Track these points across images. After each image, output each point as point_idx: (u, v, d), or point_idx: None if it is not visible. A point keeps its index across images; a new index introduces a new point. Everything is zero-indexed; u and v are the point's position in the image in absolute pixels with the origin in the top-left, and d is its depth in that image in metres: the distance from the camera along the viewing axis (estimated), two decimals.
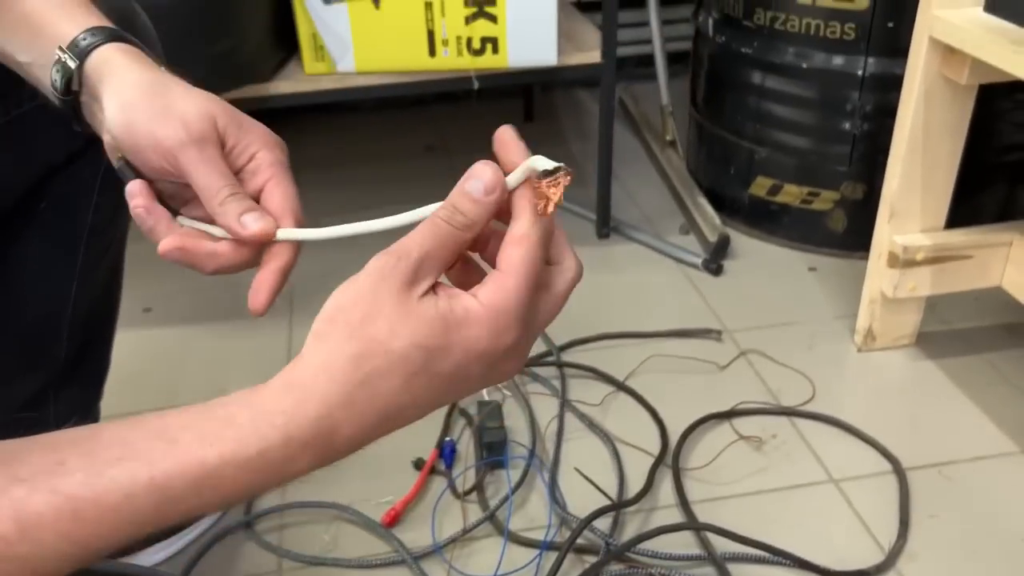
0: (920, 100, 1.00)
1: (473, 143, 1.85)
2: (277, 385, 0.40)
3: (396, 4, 1.19)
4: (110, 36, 0.52)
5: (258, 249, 0.51)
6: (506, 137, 0.43)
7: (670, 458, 1.00)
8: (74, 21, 0.52)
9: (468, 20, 1.20)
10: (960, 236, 1.08)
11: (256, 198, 0.51)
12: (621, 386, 1.12)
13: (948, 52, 0.96)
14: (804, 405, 1.09)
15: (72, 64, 0.51)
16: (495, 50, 1.23)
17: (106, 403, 1.11)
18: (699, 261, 1.39)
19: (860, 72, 1.26)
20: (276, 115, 1.91)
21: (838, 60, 1.28)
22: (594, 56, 1.32)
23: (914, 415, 1.07)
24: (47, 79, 0.53)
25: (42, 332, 0.77)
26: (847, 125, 1.31)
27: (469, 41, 1.22)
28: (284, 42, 1.28)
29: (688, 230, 1.50)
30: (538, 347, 1.19)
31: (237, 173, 0.51)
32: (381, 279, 0.40)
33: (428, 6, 1.19)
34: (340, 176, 1.75)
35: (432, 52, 1.23)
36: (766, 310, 1.28)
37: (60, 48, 0.52)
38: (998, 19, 0.91)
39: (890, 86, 1.24)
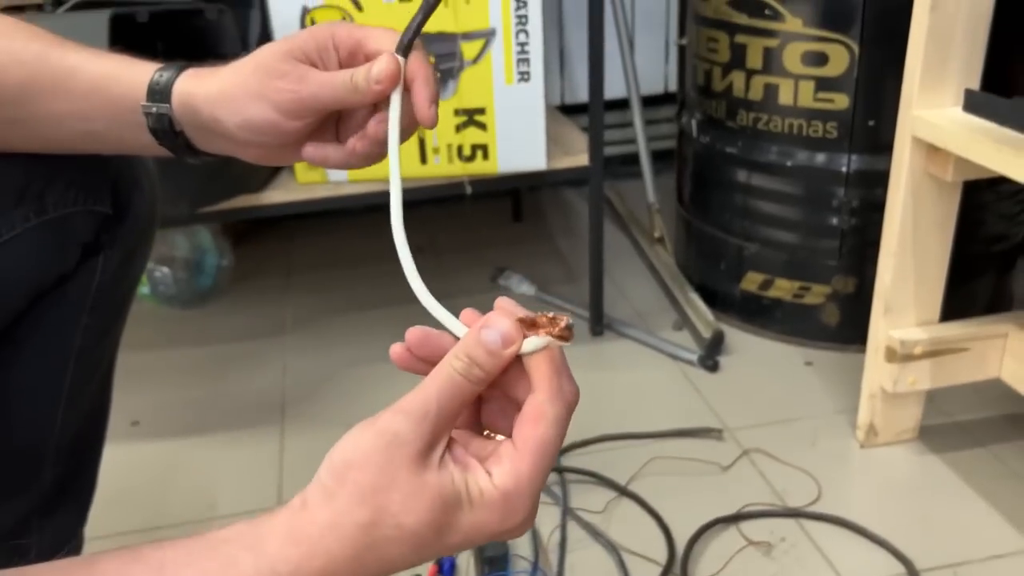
0: (908, 197, 1.02)
1: (462, 244, 1.86)
2: (281, 532, 0.39)
3: None
4: (167, 80, 0.56)
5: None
6: (508, 307, 0.42)
7: (678, 567, 0.97)
8: (126, 83, 0.56)
9: (458, 128, 1.23)
10: (956, 329, 1.08)
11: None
12: (624, 491, 1.10)
13: (932, 150, 0.98)
14: (811, 505, 1.06)
15: (163, 109, 0.55)
16: (485, 156, 1.25)
17: (92, 520, 1.07)
18: (695, 357, 1.38)
19: (844, 169, 1.29)
20: (268, 220, 1.93)
21: (822, 157, 1.30)
22: (582, 159, 1.34)
23: (924, 513, 1.05)
24: (130, 136, 0.56)
25: (27, 458, 0.74)
26: (834, 220, 1.32)
27: (460, 148, 1.24)
28: None
29: (681, 326, 1.50)
30: None
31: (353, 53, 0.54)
32: (396, 445, 0.39)
33: None
34: (332, 277, 1.75)
35: (424, 160, 1.24)
36: (765, 406, 1.27)
37: (143, 105, 0.55)
38: (977, 118, 0.94)
39: (875, 181, 1.27)
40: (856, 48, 1.22)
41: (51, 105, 0.56)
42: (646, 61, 2.02)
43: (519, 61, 1.20)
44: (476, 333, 0.41)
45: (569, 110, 1.94)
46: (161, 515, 1.11)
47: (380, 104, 0.54)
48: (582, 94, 2.08)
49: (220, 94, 0.54)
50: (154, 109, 0.55)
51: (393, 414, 0.40)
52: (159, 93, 0.55)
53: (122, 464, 1.21)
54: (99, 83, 0.56)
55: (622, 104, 1.83)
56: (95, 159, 0.63)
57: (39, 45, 0.57)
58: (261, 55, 0.54)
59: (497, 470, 0.40)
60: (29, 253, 0.64)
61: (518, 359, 0.41)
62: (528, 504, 0.41)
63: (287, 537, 0.39)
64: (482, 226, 1.91)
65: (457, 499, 0.39)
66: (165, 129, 0.56)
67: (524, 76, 1.21)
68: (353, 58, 0.54)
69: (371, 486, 0.38)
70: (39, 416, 0.73)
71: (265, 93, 0.53)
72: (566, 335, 0.41)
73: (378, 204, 2.09)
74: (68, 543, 0.80)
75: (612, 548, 1.00)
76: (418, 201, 2.03)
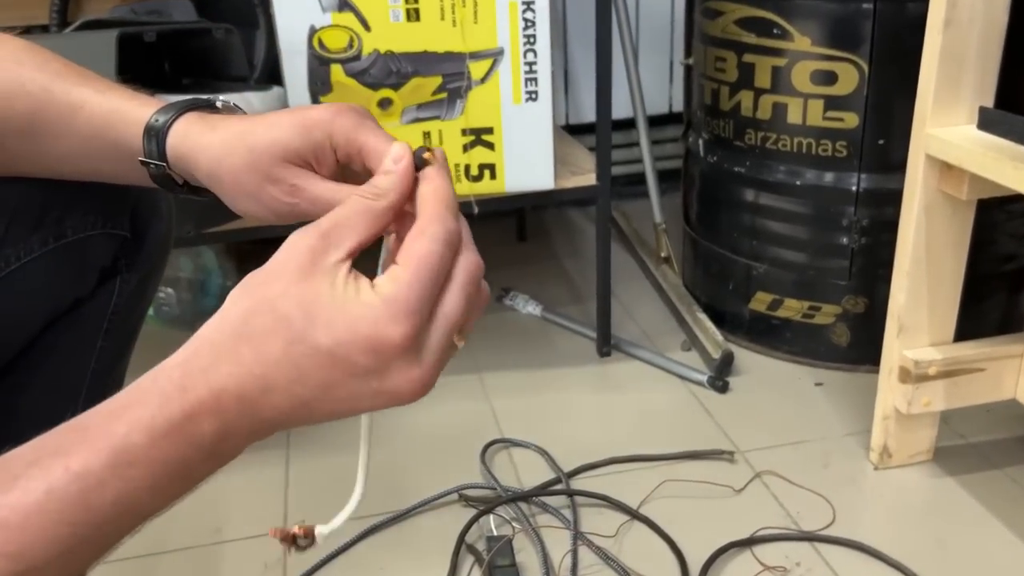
0: (921, 215, 1.01)
1: None
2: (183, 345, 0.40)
3: (395, 134, 1.20)
4: (177, 111, 0.53)
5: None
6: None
7: None
8: (137, 114, 0.54)
9: (466, 148, 1.22)
10: (971, 349, 1.07)
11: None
12: (636, 515, 1.08)
13: (945, 169, 0.97)
14: (826, 529, 1.05)
15: (160, 164, 0.53)
16: (493, 176, 1.24)
17: None
18: (704, 378, 1.36)
19: (854, 188, 1.28)
20: (270, 241, 1.92)
21: (831, 177, 1.30)
22: (589, 179, 1.33)
23: (940, 537, 1.03)
24: (136, 177, 0.55)
25: None
26: (844, 240, 1.32)
27: (467, 168, 1.23)
28: None
29: (690, 346, 1.48)
30: (546, 473, 1.15)
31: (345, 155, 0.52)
32: (290, 246, 0.41)
33: (427, 136, 1.21)
34: None
35: None
36: (777, 428, 1.25)
37: (141, 160, 0.53)
38: (992, 136, 0.93)
39: (885, 201, 1.26)
40: (865, 66, 1.21)
41: (57, 142, 0.55)
42: (650, 81, 2.02)
43: (527, 80, 1.19)
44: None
45: (574, 130, 1.94)
46: (164, 541, 1.09)
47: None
48: (586, 114, 2.08)
49: (212, 176, 0.52)
50: (152, 166, 0.54)
51: (295, 232, 0.42)
52: (155, 148, 0.53)
53: None
54: (102, 125, 0.55)
55: (626, 124, 1.83)
56: (115, 185, 0.62)
57: (46, 76, 0.55)
58: (256, 150, 0.50)
59: (379, 279, 0.41)
60: (47, 276, 0.63)
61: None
62: (409, 316, 0.39)
63: (184, 344, 0.40)
64: (487, 245, 1.89)
65: (332, 290, 0.39)
66: (166, 180, 0.55)
67: (532, 96, 1.21)
68: (349, 161, 0.51)
69: (260, 281, 0.40)
70: None
71: (260, 197, 0.51)
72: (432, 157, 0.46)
73: None
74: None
75: (624, 573, 0.98)
76: None
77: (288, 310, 0.39)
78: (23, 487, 0.35)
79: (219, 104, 0.56)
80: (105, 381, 0.72)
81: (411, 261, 0.40)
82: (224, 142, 0.52)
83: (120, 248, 0.66)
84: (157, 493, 0.39)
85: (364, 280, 0.41)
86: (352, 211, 0.42)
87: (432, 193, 0.44)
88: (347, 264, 0.41)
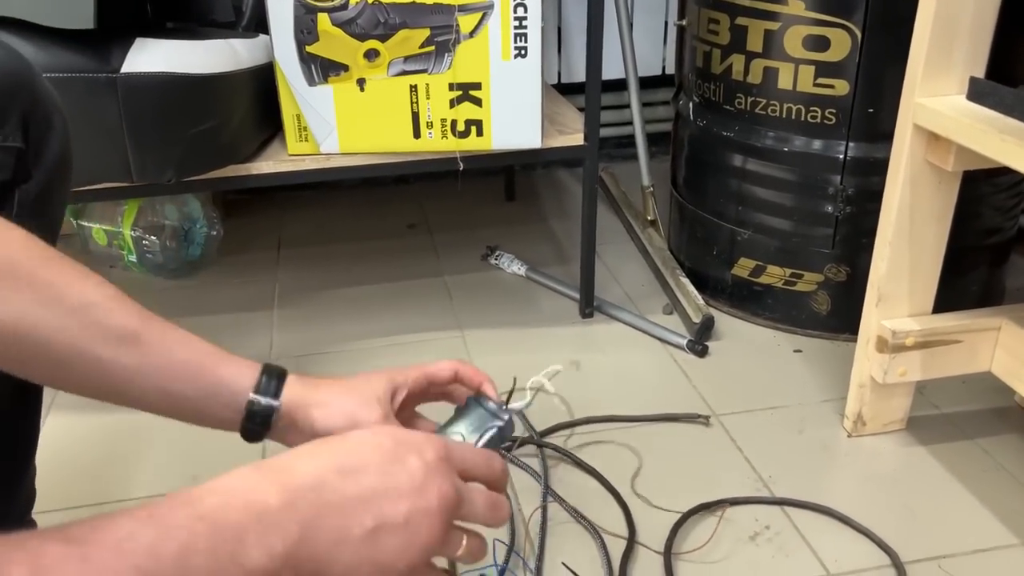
0: (906, 186, 1.01)
1: (454, 221, 1.84)
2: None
3: (381, 87, 1.19)
4: (279, 373, 0.65)
5: None
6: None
7: (662, 551, 0.97)
8: (234, 364, 0.63)
9: (453, 103, 1.20)
10: (949, 320, 1.08)
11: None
12: (604, 476, 1.09)
13: (933, 139, 0.97)
14: (797, 494, 1.06)
15: (274, 403, 0.63)
16: (479, 132, 1.23)
17: (69, 491, 1.06)
18: (684, 342, 1.37)
19: (841, 156, 1.28)
20: (259, 191, 1.91)
21: (819, 144, 1.29)
22: (577, 138, 1.32)
23: (909, 505, 1.05)
24: (215, 411, 0.62)
25: None
26: (829, 208, 1.31)
27: (454, 123, 1.22)
28: (267, 122, 1.27)
29: (672, 310, 1.49)
30: (519, 431, 1.16)
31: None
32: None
33: (413, 89, 1.19)
34: (321, 253, 1.73)
35: (416, 134, 1.22)
36: (753, 393, 1.26)
37: (250, 395, 0.62)
38: (981, 107, 0.92)
39: (871, 170, 1.25)
40: (859, 33, 1.20)
41: (137, 381, 0.60)
42: (643, 42, 1.99)
43: (516, 36, 1.17)
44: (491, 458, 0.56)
45: (566, 89, 1.92)
46: (141, 485, 1.09)
47: None
48: (579, 73, 2.06)
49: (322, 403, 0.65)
50: (263, 401, 0.62)
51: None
52: (269, 389, 0.63)
53: (101, 433, 1.19)
54: (201, 362, 0.61)
55: (618, 85, 1.81)
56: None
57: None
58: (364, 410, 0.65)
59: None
60: None
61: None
62: (418, 460, 0.49)
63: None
64: (474, 204, 1.89)
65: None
66: (262, 417, 0.63)
67: (521, 52, 1.19)
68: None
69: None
70: None
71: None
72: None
73: (369, 177, 2.07)
74: (14, 494, 0.77)
75: (594, 530, 1.00)
76: (408, 176, 2.01)
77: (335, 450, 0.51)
78: None
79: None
80: None
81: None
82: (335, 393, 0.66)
83: (16, 161, 0.66)
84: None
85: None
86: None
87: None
88: None
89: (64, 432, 1.19)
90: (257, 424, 0.62)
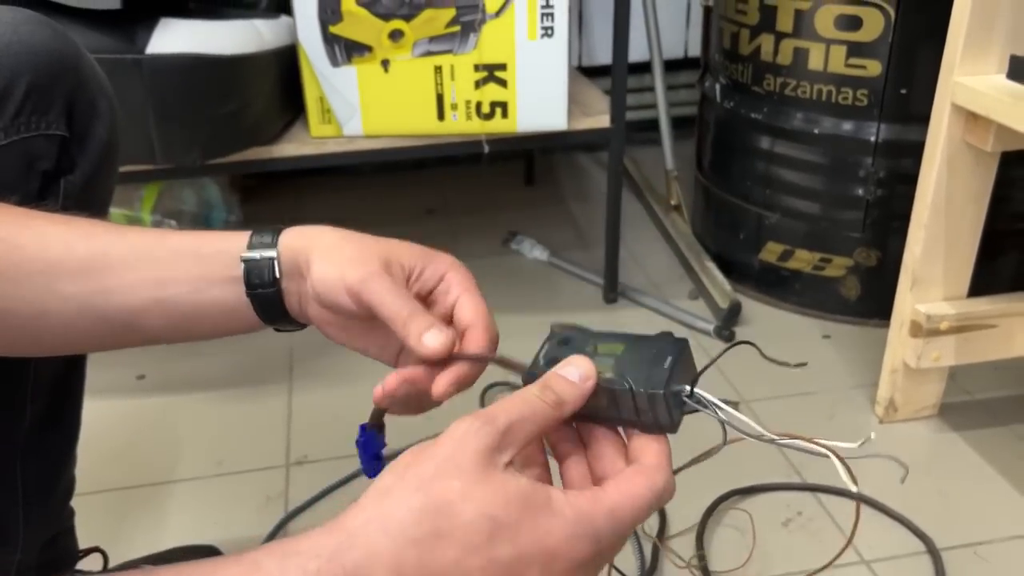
0: (943, 167, 0.99)
1: (474, 206, 1.83)
2: (320, 529, 0.36)
3: (405, 68, 1.17)
4: (273, 230, 0.54)
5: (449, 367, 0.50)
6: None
7: (694, 537, 0.96)
8: (222, 234, 0.54)
9: (478, 84, 1.19)
10: (984, 305, 1.06)
11: (450, 315, 0.53)
12: None
13: (971, 119, 0.95)
14: (827, 480, 1.04)
15: (270, 253, 0.52)
16: (504, 114, 1.21)
17: (98, 475, 1.06)
18: (711, 328, 1.35)
19: (873, 138, 1.25)
20: (277, 176, 1.90)
21: (849, 126, 1.27)
22: (603, 121, 1.30)
23: (943, 491, 1.03)
24: (219, 295, 0.53)
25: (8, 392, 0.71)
26: (860, 191, 1.29)
27: (479, 105, 1.20)
28: (290, 104, 1.26)
29: (697, 296, 1.47)
30: None
31: (429, 295, 0.53)
32: (463, 441, 0.37)
33: (438, 70, 1.18)
34: None
35: (441, 116, 1.21)
36: (782, 379, 1.24)
37: (243, 253, 0.52)
38: (1022, 86, 0.90)
39: (903, 152, 1.23)
40: (892, 12, 1.17)
41: (124, 276, 0.53)
42: (666, 24, 1.97)
43: (543, 15, 1.16)
44: (555, 369, 0.43)
45: (586, 73, 1.90)
46: (167, 470, 1.09)
47: None
48: (601, 56, 2.04)
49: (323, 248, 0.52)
50: (257, 255, 0.52)
51: (461, 419, 0.38)
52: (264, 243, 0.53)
53: (128, 418, 1.19)
54: (184, 250, 0.54)
55: (640, 68, 1.79)
56: (41, 82, 0.60)
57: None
58: (382, 244, 0.52)
59: (573, 493, 0.39)
60: None
61: (620, 439, 0.45)
62: (595, 539, 0.38)
63: (325, 531, 0.36)
64: (493, 189, 1.88)
65: (524, 498, 0.37)
66: (264, 278, 0.53)
67: (547, 32, 1.17)
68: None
69: (431, 474, 0.36)
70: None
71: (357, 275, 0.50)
72: None
73: (393, 161, 2.06)
74: (57, 482, 0.77)
75: None
76: (428, 160, 2.00)
77: (473, 516, 0.36)
78: None
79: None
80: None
81: (619, 493, 0.40)
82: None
83: (61, 149, 0.63)
84: None
85: (553, 489, 0.39)
86: (531, 412, 0.40)
87: (661, 450, 0.44)
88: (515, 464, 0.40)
89: (91, 417, 1.19)
90: (265, 285, 0.53)
